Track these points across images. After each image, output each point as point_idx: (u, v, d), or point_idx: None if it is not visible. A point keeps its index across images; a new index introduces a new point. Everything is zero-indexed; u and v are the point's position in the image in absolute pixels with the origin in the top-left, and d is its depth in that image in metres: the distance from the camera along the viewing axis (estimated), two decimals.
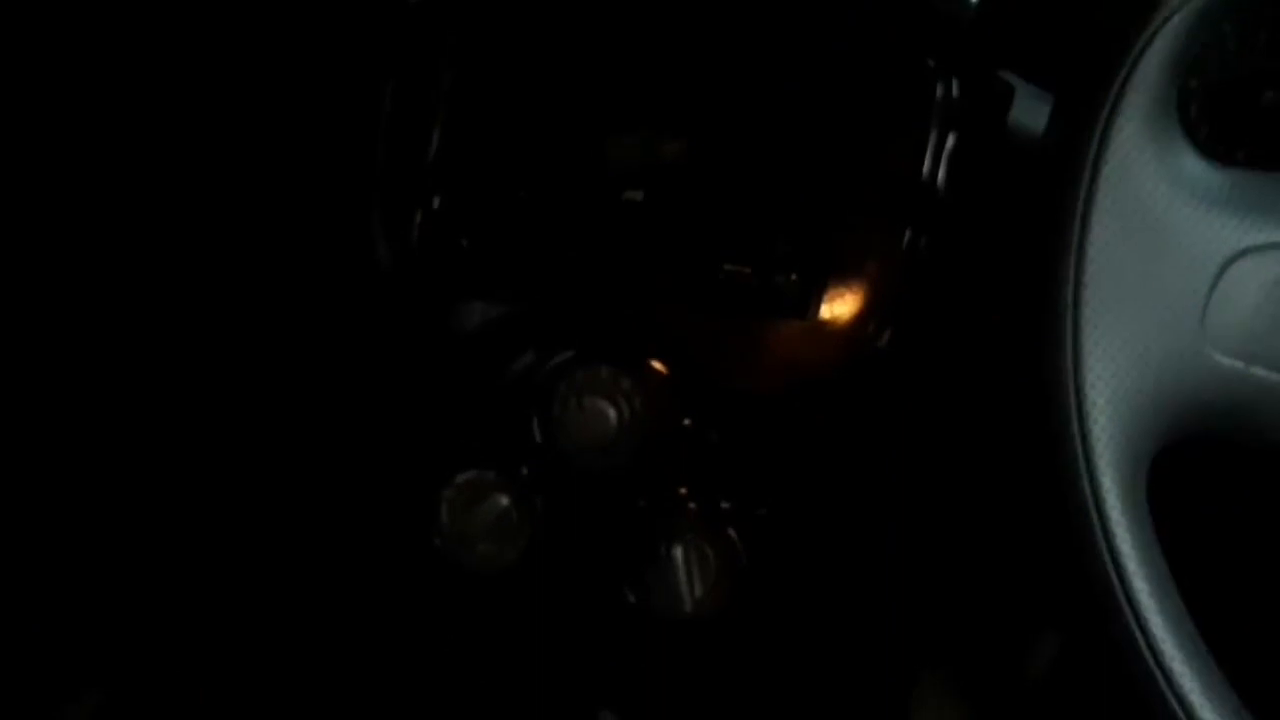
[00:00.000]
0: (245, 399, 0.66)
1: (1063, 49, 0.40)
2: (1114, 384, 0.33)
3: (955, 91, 0.51)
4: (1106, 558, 0.33)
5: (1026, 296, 0.34)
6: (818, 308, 0.53)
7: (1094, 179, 0.33)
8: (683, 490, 0.59)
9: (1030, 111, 0.47)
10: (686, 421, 0.58)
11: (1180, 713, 0.32)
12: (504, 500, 0.59)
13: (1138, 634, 0.33)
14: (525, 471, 0.60)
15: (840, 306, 0.53)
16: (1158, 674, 0.33)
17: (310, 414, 0.65)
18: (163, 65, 0.59)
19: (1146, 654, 0.33)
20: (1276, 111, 0.57)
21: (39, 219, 0.63)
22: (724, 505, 0.59)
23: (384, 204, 0.56)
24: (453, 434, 0.60)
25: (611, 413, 0.56)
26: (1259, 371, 0.34)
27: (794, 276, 0.53)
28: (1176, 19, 0.33)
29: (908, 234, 0.51)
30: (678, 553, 0.56)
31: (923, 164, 0.51)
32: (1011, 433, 0.36)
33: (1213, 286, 0.34)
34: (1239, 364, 0.34)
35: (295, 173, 0.62)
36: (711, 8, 0.54)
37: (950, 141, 0.51)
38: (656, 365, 0.57)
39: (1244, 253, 0.34)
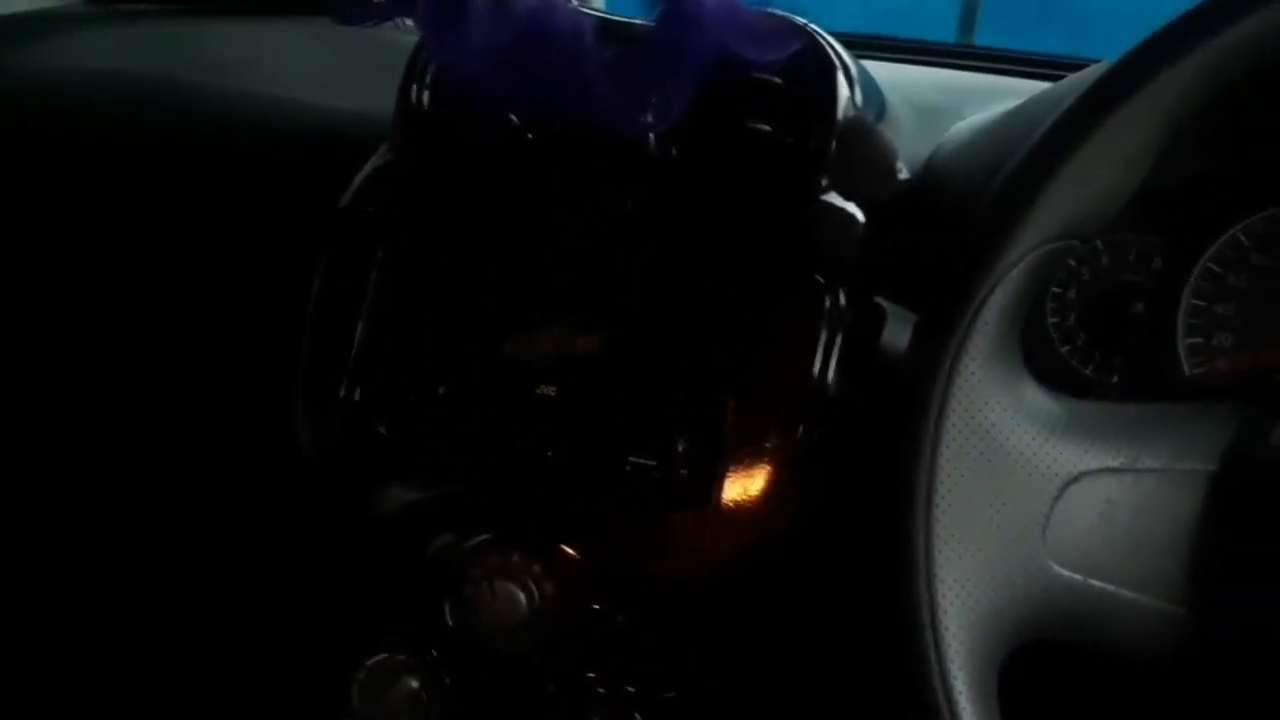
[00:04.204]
0: (166, 579, 0.67)
1: (925, 283, 0.45)
2: (964, 595, 0.38)
3: (842, 303, 0.56)
4: None
5: (883, 512, 0.39)
6: (719, 498, 0.57)
7: (943, 410, 0.38)
8: (591, 675, 0.62)
9: (901, 335, 0.53)
10: (596, 606, 0.61)
11: None
12: (414, 683, 0.62)
13: None
14: (435, 654, 0.62)
15: (739, 497, 0.57)
16: None
17: (228, 592, 0.67)
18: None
19: None
20: (1146, 321, 0.64)
21: None
22: (630, 690, 0.61)
23: (307, 393, 0.60)
24: (366, 616, 0.62)
25: (522, 597, 0.59)
26: (1096, 583, 0.39)
27: (695, 469, 0.57)
28: (1015, 272, 0.39)
29: (800, 429, 0.56)
30: None
31: (813, 366, 0.56)
32: (872, 636, 0.40)
33: (1052, 506, 0.38)
34: (1078, 576, 0.39)
35: (225, 360, 0.65)
36: (629, 223, 0.60)
37: (838, 347, 0.56)
38: (568, 550, 0.60)
39: (1080, 476, 0.39)
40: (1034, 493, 0.38)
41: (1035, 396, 0.40)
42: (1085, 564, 0.39)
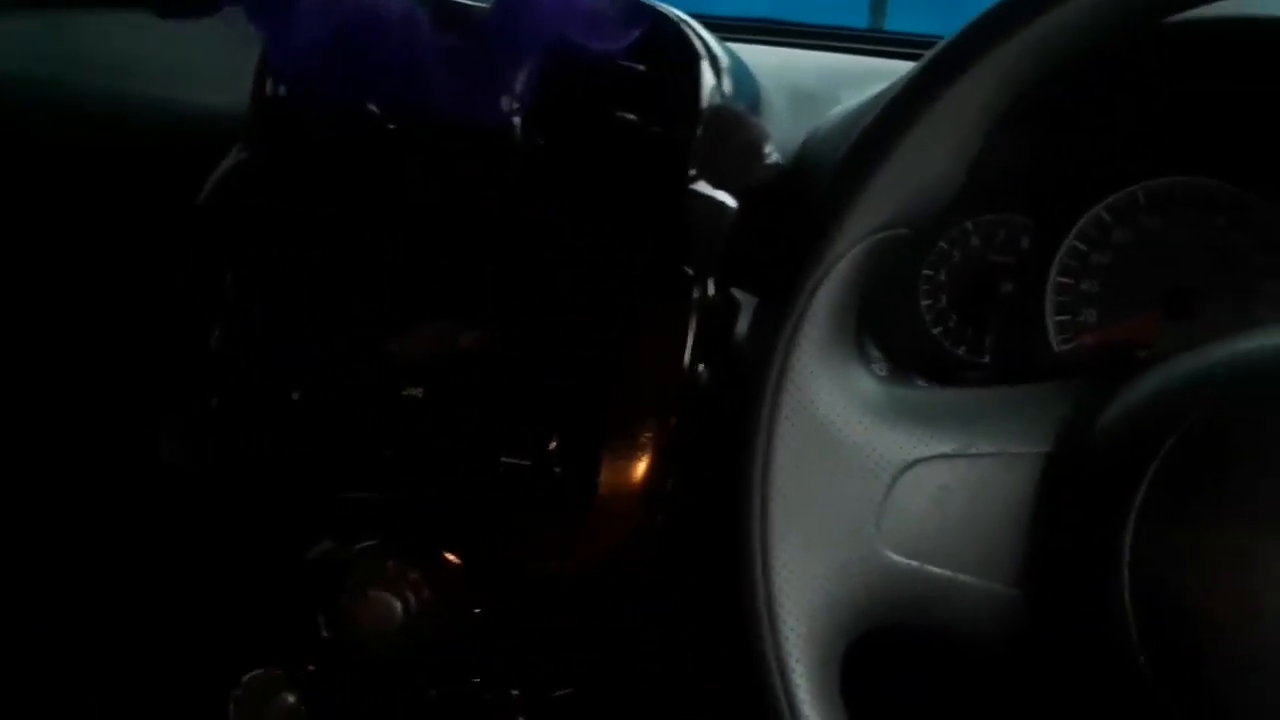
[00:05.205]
0: (25, 597, 0.65)
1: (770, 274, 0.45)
2: (801, 586, 0.38)
3: (711, 293, 0.56)
4: None
5: (722, 504, 0.39)
6: (595, 495, 0.57)
7: (776, 401, 0.38)
8: (475, 679, 0.61)
9: None
10: (477, 610, 0.60)
11: None
12: (291, 697, 0.60)
13: None
14: (313, 667, 0.61)
15: (615, 493, 0.57)
16: None
17: (95, 609, 0.65)
18: None
19: None
20: (1015, 300, 0.64)
21: None
22: (514, 692, 0.61)
23: (164, 400, 0.58)
24: (240, 630, 0.61)
25: (397, 605, 0.58)
26: (932, 569, 0.39)
27: (569, 466, 0.56)
28: (844, 263, 0.39)
29: (673, 420, 0.56)
30: None
31: (684, 358, 0.56)
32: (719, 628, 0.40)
33: (886, 495, 0.39)
34: (914, 563, 0.39)
35: (83, 365, 0.63)
36: (494, 215, 0.59)
37: (707, 337, 0.56)
38: (448, 556, 0.59)
39: (913, 464, 0.39)
40: (868, 481, 0.39)
41: (869, 385, 0.40)
42: (921, 550, 0.39)
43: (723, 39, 0.65)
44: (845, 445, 0.39)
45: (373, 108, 0.58)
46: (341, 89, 0.54)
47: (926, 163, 0.39)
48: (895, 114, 0.40)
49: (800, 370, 0.39)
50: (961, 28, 0.40)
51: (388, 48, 0.48)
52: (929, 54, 0.41)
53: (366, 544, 0.60)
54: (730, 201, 0.60)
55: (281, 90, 0.61)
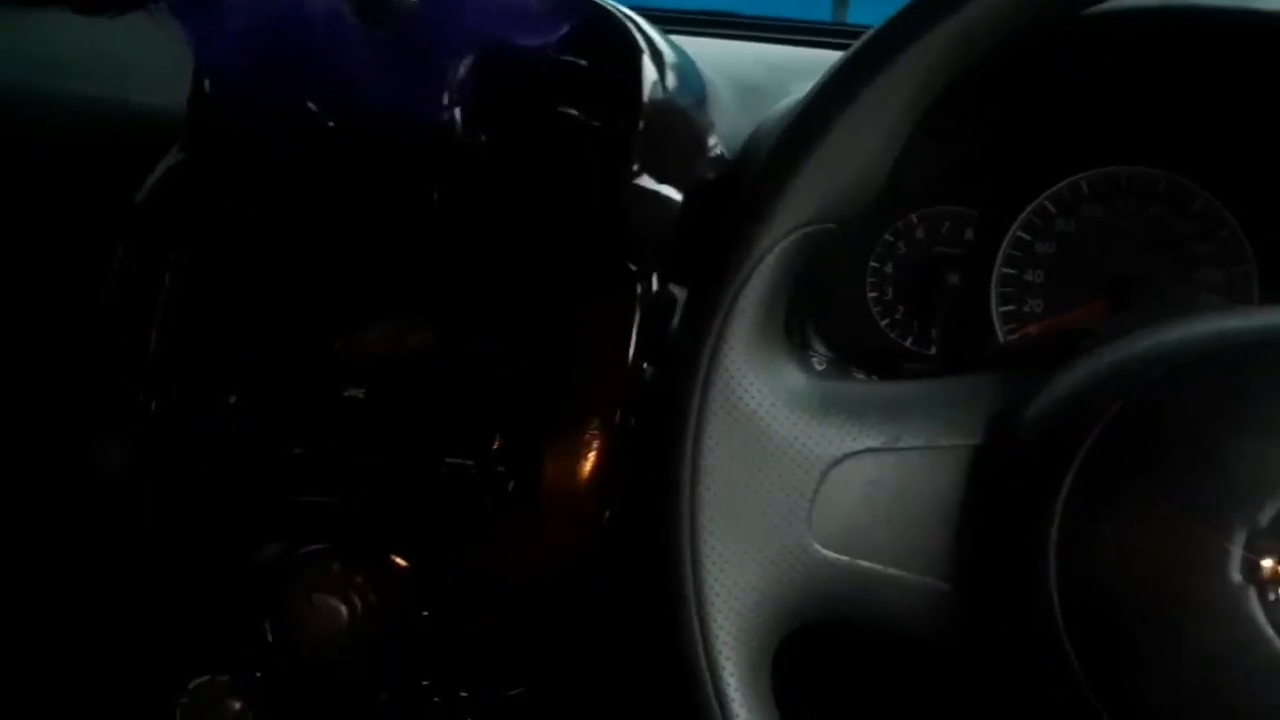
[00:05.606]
0: None
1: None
2: (730, 584, 0.38)
3: (655, 289, 0.56)
4: None
5: (651, 501, 0.38)
6: (541, 494, 0.56)
7: (705, 397, 0.38)
8: (425, 682, 0.61)
9: None
10: (425, 613, 0.60)
11: None
12: (237, 705, 0.60)
13: None
14: (259, 674, 0.60)
15: (561, 492, 0.57)
16: None
17: (38, 622, 0.64)
18: None
19: None
20: (961, 291, 0.65)
21: None
22: (463, 694, 0.60)
23: (103, 405, 0.57)
24: (186, 637, 0.60)
25: (343, 609, 0.58)
26: (863, 563, 0.39)
27: (513, 466, 0.56)
28: (770, 258, 0.39)
29: (618, 415, 0.55)
30: None
31: (628, 354, 0.56)
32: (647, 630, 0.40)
33: (816, 490, 0.39)
34: (844, 558, 0.39)
35: (13, 372, 0.63)
36: (436, 214, 0.58)
37: (651, 333, 0.55)
38: (394, 558, 0.59)
39: (841, 459, 0.39)
40: (797, 477, 0.38)
41: (798, 380, 0.40)
42: (852, 545, 0.39)
43: (679, 32, 0.64)
44: (774, 440, 0.38)
45: (311, 106, 0.58)
46: (274, 88, 0.53)
47: (849, 159, 0.39)
48: (817, 110, 0.39)
49: (728, 366, 0.38)
50: (881, 23, 0.40)
51: (313, 44, 0.47)
52: (849, 51, 0.41)
53: (311, 548, 0.59)
54: (674, 196, 0.59)
55: (217, 89, 0.60)
